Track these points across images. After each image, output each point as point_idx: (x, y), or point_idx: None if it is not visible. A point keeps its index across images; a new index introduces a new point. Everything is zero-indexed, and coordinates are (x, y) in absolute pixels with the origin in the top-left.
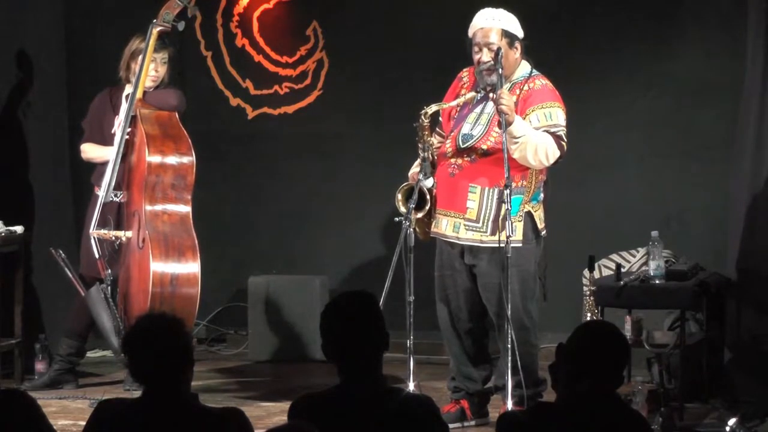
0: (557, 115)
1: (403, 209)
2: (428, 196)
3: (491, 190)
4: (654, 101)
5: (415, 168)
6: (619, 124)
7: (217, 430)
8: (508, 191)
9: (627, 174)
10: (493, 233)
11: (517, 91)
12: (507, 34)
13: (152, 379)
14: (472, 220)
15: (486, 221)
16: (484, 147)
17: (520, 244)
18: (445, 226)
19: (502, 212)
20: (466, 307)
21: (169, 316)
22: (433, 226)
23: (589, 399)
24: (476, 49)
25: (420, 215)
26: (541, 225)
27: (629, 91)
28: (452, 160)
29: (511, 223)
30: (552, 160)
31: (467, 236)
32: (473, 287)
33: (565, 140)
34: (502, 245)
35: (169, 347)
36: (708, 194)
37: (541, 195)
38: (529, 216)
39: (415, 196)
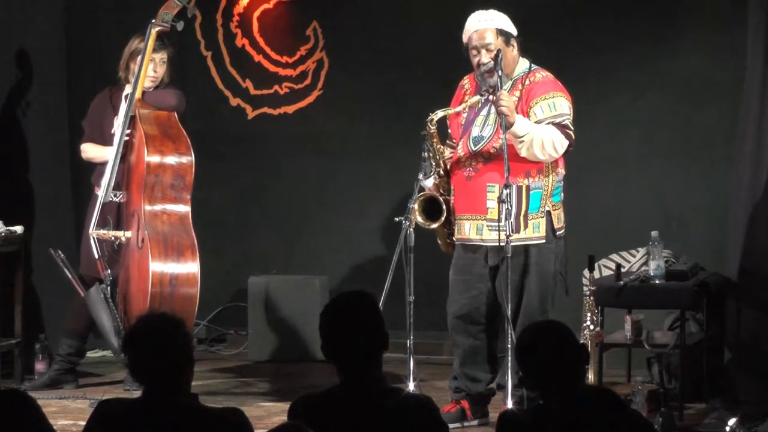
0: (561, 105)
1: (420, 220)
2: (444, 206)
3: (510, 187)
4: (654, 101)
5: (425, 180)
6: (619, 124)
7: (217, 430)
8: (508, 191)
9: (627, 174)
10: (516, 231)
11: (520, 87)
12: (502, 33)
13: (152, 379)
14: (495, 220)
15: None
16: (497, 146)
17: (543, 241)
18: (468, 229)
19: (503, 212)
20: (485, 309)
21: (169, 316)
22: (456, 232)
23: (589, 399)
24: (474, 52)
25: (435, 225)
26: (558, 225)
27: (629, 91)
28: (467, 164)
29: (525, 220)
30: (561, 151)
31: (491, 237)
32: (493, 288)
33: (572, 128)
34: (515, 243)
35: (169, 347)
36: (708, 194)
37: (562, 194)
38: (548, 215)
39: (416, 195)
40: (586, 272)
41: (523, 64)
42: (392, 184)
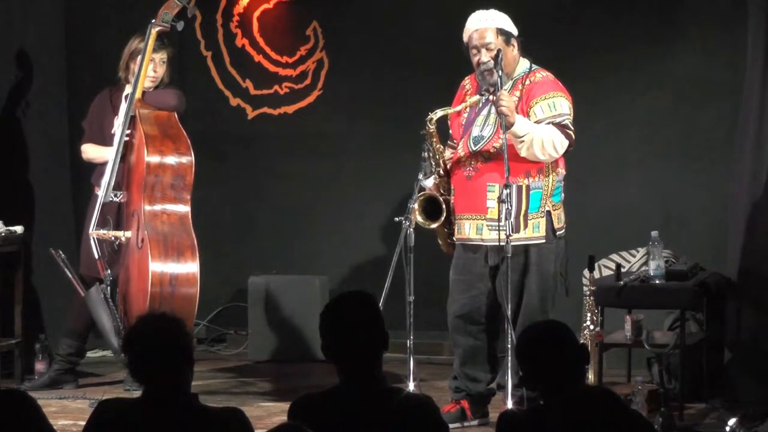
0: (561, 105)
1: (420, 219)
2: (444, 206)
3: (510, 187)
4: (654, 101)
5: (425, 180)
6: (619, 124)
7: (217, 429)
8: (508, 191)
9: (627, 174)
10: (516, 230)
11: (520, 87)
12: (502, 32)
13: (152, 379)
14: (495, 220)
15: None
16: (497, 146)
17: (543, 241)
18: (468, 229)
19: (504, 212)
20: (485, 308)
21: (169, 316)
22: (456, 232)
23: (589, 399)
24: (474, 51)
25: (435, 225)
26: (558, 225)
27: (629, 91)
28: (467, 164)
29: (525, 220)
30: (561, 151)
31: (491, 236)
32: (494, 287)
33: (572, 128)
34: (515, 243)
35: (169, 347)
36: (708, 194)
37: (562, 194)
38: (548, 215)
39: (416, 195)
40: (586, 272)
41: (524, 64)
42: (392, 184)
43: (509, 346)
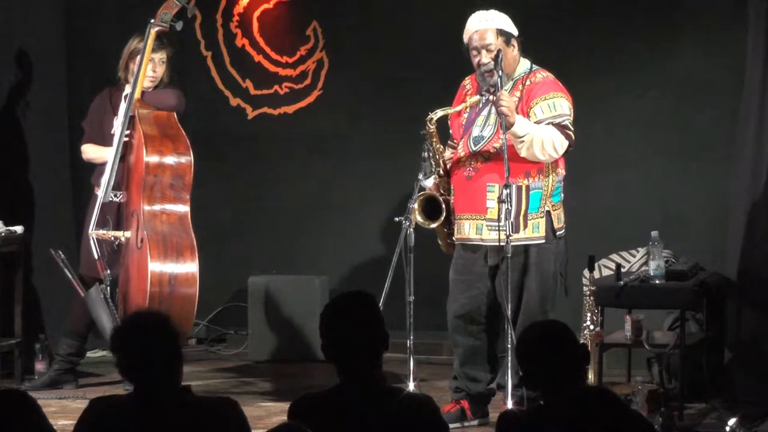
0: (561, 105)
1: (420, 219)
2: (443, 206)
3: (510, 187)
4: (654, 101)
5: (425, 180)
6: (619, 124)
7: (210, 420)
8: (508, 191)
9: (627, 174)
10: (516, 231)
11: (520, 87)
12: (502, 33)
13: (140, 376)
14: (495, 220)
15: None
16: (497, 146)
17: (543, 241)
18: (467, 229)
19: (503, 212)
20: (485, 308)
21: (157, 314)
22: (455, 232)
23: (589, 399)
24: (474, 52)
25: (435, 225)
26: (558, 225)
27: (629, 91)
28: (467, 164)
29: (525, 220)
30: (561, 151)
31: (491, 236)
32: (493, 287)
33: (572, 128)
34: (515, 243)
35: (155, 346)
36: (708, 194)
37: (561, 195)
38: (548, 215)
39: (416, 195)
40: (586, 272)
41: (524, 64)
42: (392, 184)
43: (509, 346)
